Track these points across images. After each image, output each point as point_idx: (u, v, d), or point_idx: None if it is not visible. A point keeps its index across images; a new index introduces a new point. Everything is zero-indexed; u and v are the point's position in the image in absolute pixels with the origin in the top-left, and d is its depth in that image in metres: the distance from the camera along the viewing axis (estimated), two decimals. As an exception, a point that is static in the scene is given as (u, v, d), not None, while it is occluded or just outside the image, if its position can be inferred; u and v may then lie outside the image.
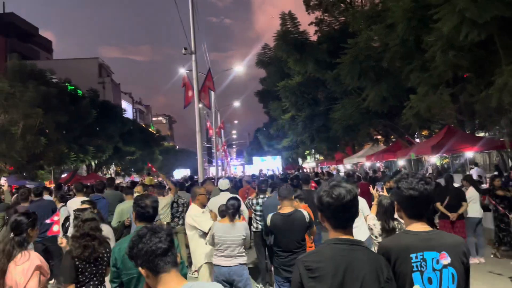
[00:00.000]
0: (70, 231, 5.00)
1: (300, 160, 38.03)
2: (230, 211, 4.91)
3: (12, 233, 3.26)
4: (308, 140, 21.70)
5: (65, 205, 7.48)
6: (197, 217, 5.39)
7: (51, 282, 6.96)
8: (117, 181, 21.40)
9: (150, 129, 48.50)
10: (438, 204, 7.64)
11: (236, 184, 12.48)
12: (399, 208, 2.27)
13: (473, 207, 7.90)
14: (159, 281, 1.84)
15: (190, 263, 5.75)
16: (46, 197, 8.90)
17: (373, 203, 5.04)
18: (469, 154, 13.00)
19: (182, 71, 14.03)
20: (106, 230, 4.77)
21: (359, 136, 20.31)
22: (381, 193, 5.28)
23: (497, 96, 8.53)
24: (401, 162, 18.27)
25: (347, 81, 14.20)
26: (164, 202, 7.47)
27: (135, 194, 6.88)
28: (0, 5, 43.04)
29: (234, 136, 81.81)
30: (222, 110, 40.90)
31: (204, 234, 5.37)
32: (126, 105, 47.60)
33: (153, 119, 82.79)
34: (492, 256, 7.94)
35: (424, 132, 20.00)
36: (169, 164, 40.88)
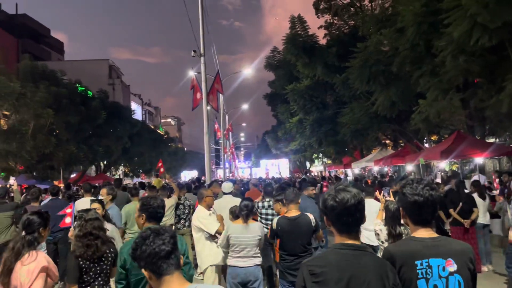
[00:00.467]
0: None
1: (307, 164, 37.93)
2: (243, 212, 4.91)
3: (23, 232, 3.22)
4: (316, 144, 21.65)
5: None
6: (203, 219, 5.39)
7: (58, 284, 6.98)
8: (125, 182, 21.55)
9: (159, 131, 48.72)
10: (451, 211, 7.53)
11: (243, 187, 12.48)
12: (404, 214, 2.25)
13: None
14: (162, 283, 1.84)
15: (196, 265, 5.75)
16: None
17: (379, 208, 5.01)
18: (479, 160, 12.86)
19: (191, 73, 14.09)
20: (112, 230, 4.80)
21: (368, 141, 20.22)
22: (387, 198, 5.25)
23: (508, 102, 8.45)
24: (409, 167, 18.13)
25: (356, 85, 14.15)
26: (168, 203, 7.49)
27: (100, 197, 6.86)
28: (13, 6, 43.71)
29: (242, 139, 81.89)
30: (230, 112, 41.01)
31: (210, 236, 5.37)
32: (135, 106, 47.93)
33: (162, 120, 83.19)
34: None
35: (433, 137, 19.86)
36: (177, 165, 40.99)
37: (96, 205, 4.98)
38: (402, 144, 19.91)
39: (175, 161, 38.98)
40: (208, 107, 12.69)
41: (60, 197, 8.53)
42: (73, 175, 22.99)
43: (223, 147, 32.07)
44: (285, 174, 32.35)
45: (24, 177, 16.57)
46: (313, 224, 4.73)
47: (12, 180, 16.64)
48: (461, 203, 7.47)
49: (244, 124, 65.22)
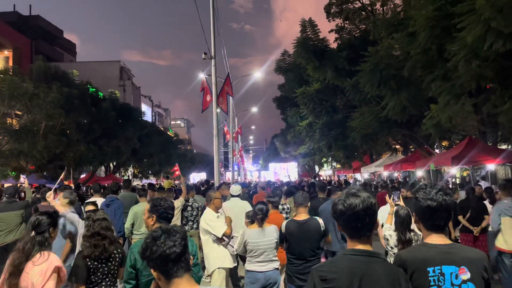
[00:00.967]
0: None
1: (316, 168, 37.81)
2: (259, 216, 4.88)
3: (33, 232, 3.20)
4: (325, 148, 21.55)
5: (82, 204, 7.58)
6: (211, 221, 5.38)
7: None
8: (134, 183, 21.67)
9: (169, 133, 48.97)
10: (460, 217, 7.44)
11: (251, 190, 12.47)
12: (417, 219, 2.21)
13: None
14: (171, 285, 1.83)
15: (203, 268, 5.73)
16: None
17: (388, 212, 4.96)
18: (490, 166, 12.69)
19: (202, 75, 14.14)
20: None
21: (377, 145, 20.07)
22: (397, 202, 5.20)
23: (521, 108, 8.32)
24: (419, 173, 17.97)
25: (366, 89, 14.07)
26: (175, 205, 7.48)
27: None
28: (26, 8, 44.30)
29: (251, 142, 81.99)
30: (240, 115, 41.07)
31: (217, 239, 5.35)
32: (145, 108, 48.24)
33: (172, 122, 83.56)
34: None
35: (444, 143, 19.65)
36: (186, 167, 41.14)
37: (90, 207, 5.02)
38: (412, 149, 19.73)
39: (184, 163, 39.09)
40: (218, 110, 12.72)
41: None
42: (82, 175, 23.18)
43: (232, 149, 32.11)
44: (294, 177, 32.28)
45: (35, 177, 16.75)
46: (322, 228, 4.70)
47: (22, 179, 16.82)
48: (470, 210, 7.38)
49: (253, 127, 65.43)
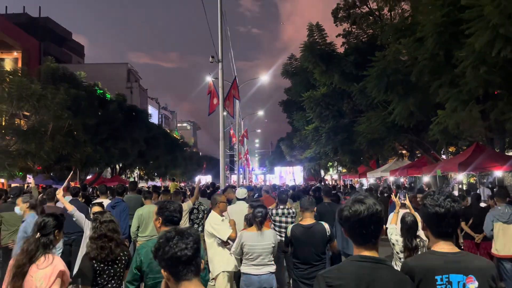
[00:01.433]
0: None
1: (322, 172, 37.72)
2: (257, 219, 4.88)
3: (38, 233, 3.19)
4: (331, 152, 21.51)
5: (88, 206, 7.60)
6: (216, 225, 5.39)
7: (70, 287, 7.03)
8: (140, 185, 21.71)
9: (175, 135, 49.10)
10: (463, 224, 7.43)
11: (256, 193, 12.44)
12: (425, 226, 2.20)
13: None
14: (180, 287, 1.84)
15: (208, 271, 5.74)
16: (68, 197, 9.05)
17: (394, 211, 4.94)
18: (497, 173, 12.60)
19: (209, 78, 14.18)
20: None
21: (384, 150, 19.97)
22: (403, 201, 5.19)
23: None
24: (426, 179, 17.87)
25: (373, 94, 14.03)
26: (183, 208, 7.49)
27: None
28: (36, 9, 44.73)
29: (257, 145, 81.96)
30: (246, 119, 41.13)
31: (222, 243, 5.36)
32: (152, 110, 48.43)
33: (178, 125, 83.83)
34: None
35: (451, 149, 19.53)
36: (192, 170, 41.22)
37: (97, 208, 5.03)
38: (419, 155, 19.61)
39: (190, 166, 39.19)
40: (225, 113, 12.75)
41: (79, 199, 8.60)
42: (89, 177, 23.29)
43: (237, 153, 32.14)
44: (299, 181, 32.21)
45: (42, 177, 16.85)
46: (327, 233, 4.69)
47: (29, 179, 16.92)
48: (472, 217, 7.39)
49: (259, 131, 65.35)
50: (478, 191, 11.53)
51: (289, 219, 6.82)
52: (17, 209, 5.87)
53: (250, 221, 5.20)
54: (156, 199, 8.61)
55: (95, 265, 3.53)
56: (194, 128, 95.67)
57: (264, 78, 24.96)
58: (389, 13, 19.70)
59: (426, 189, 15.11)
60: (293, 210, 7.14)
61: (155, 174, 32.50)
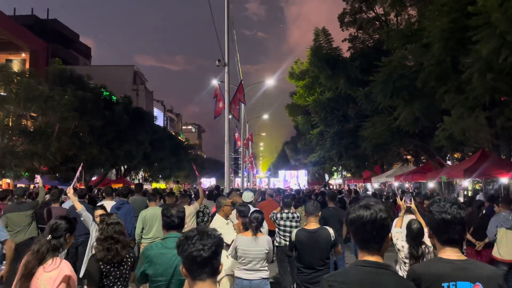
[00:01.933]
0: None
1: (326, 176, 37.64)
2: (253, 224, 4.90)
3: (49, 235, 3.19)
4: (336, 157, 21.48)
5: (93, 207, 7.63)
6: (220, 228, 5.39)
7: None
8: (145, 187, 21.77)
9: (180, 137, 49.25)
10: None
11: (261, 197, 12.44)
12: (431, 233, 2.20)
13: None
14: (193, 286, 1.90)
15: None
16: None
17: (399, 214, 4.93)
18: (503, 180, 12.53)
19: (215, 82, 14.24)
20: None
21: (389, 155, 19.93)
22: (408, 204, 5.17)
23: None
24: (431, 184, 17.79)
25: (379, 99, 14.02)
26: (188, 211, 7.50)
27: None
28: (44, 11, 45.08)
29: (261, 148, 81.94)
30: (251, 122, 41.17)
31: (226, 246, 5.37)
32: (157, 112, 48.61)
33: (183, 127, 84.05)
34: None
35: (457, 155, 19.44)
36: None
37: (100, 211, 5.05)
38: (424, 160, 19.54)
39: (194, 168, 39.23)
40: (230, 116, 12.79)
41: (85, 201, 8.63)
42: (94, 178, 23.40)
43: (242, 156, 32.17)
44: (303, 185, 32.16)
45: (47, 178, 16.94)
46: (332, 238, 4.69)
47: (37, 179, 17.02)
48: (472, 225, 7.41)
49: (263, 134, 65.36)
50: (479, 198, 11.50)
51: (294, 223, 6.82)
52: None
53: (245, 226, 5.22)
54: (158, 202, 8.61)
55: (102, 266, 3.55)
56: (199, 130, 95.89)
57: (270, 82, 25.01)
58: (395, 19, 19.72)
59: (435, 193, 15.09)
60: (298, 214, 7.15)
61: (160, 176, 32.57)
